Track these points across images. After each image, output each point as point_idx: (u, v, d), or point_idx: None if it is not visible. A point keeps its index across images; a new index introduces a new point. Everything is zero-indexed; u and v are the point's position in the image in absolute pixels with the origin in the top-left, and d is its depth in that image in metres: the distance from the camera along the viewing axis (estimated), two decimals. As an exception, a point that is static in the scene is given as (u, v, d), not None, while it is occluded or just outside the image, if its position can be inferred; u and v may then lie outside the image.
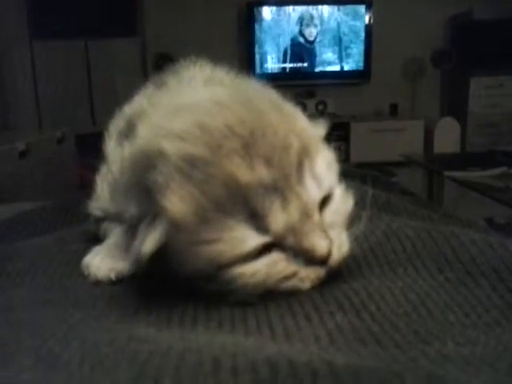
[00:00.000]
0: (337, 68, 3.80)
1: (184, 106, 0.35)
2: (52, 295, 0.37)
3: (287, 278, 0.34)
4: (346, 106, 3.77)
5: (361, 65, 3.78)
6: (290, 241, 0.33)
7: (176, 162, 0.31)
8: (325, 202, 0.36)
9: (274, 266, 0.33)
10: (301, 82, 3.67)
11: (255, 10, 3.66)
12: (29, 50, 3.41)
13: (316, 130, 0.38)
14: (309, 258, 0.34)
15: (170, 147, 0.32)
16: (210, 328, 0.30)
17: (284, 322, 0.30)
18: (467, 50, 3.52)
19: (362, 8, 3.70)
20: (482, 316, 0.30)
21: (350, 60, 3.79)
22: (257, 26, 3.69)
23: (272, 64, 3.74)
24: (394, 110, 3.79)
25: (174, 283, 0.35)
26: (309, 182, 0.34)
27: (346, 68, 3.80)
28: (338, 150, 3.54)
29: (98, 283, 0.38)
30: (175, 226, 0.31)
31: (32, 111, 3.45)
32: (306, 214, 0.33)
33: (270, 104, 0.35)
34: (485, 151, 2.81)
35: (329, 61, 3.79)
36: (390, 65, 3.76)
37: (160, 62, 3.28)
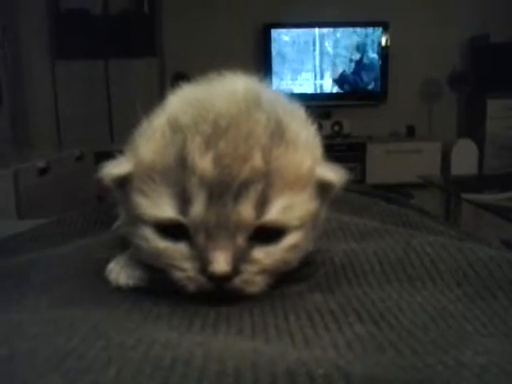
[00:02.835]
0: (353, 89, 3.82)
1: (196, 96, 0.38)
2: (76, 297, 0.38)
3: (176, 268, 0.35)
4: (362, 127, 3.78)
5: (377, 86, 3.79)
6: (200, 241, 0.34)
7: (162, 120, 0.36)
8: (268, 241, 0.35)
9: (171, 251, 0.35)
10: (316, 103, 3.66)
11: (272, 30, 3.71)
12: (50, 70, 3.49)
13: (321, 173, 0.37)
14: (202, 268, 0.34)
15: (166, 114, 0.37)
16: (230, 334, 0.31)
17: (304, 331, 0.31)
18: (484, 72, 3.53)
19: (379, 30, 3.73)
20: (499, 326, 0.31)
21: (367, 81, 3.80)
22: (273, 47, 3.74)
23: (288, 85, 3.77)
24: (410, 131, 3.78)
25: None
26: (245, 202, 0.33)
27: (362, 89, 3.82)
28: (353, 170, 3.56)
29: (118, 289, 0.39)
30: (137, 167, 0.35)
31: (52, 129, 3.51)
32: (225, 227, 0.33)
33: (265, 118, 0.35)
34: (502, 173, 2.78)
35: (345, 81, 3.81)
36: (407, 86, 3.77)
37: (178, 81, 3.33)
